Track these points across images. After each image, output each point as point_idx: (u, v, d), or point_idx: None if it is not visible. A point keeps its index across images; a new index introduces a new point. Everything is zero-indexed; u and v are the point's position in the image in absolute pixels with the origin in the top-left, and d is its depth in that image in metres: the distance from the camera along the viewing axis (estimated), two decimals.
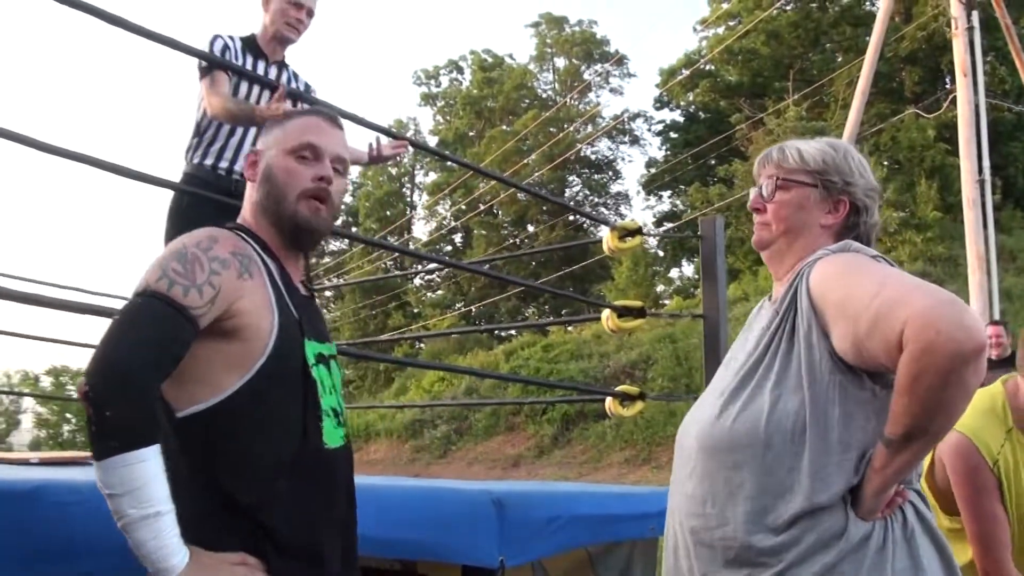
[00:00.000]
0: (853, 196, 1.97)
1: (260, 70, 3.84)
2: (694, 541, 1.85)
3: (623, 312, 4.84)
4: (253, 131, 3.66)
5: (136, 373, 1.54)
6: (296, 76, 4.03)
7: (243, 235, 1.86)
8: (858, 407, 1.73)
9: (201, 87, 3.67)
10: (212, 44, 3.74)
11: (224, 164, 3.76)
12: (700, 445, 1.88)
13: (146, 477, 1.51)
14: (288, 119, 1.99)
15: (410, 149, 4.29)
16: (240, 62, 3.77)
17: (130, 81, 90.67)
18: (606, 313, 4.91)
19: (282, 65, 3.99)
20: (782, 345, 1.83)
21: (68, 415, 36.61)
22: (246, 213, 1.95)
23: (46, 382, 35.95)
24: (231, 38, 3.82)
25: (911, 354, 1.54)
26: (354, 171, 50.87)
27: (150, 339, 1.59)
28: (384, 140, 3.99)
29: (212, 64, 3.61)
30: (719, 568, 1.79)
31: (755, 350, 1.89)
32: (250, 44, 3.88)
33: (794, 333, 1.81)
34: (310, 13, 3.87)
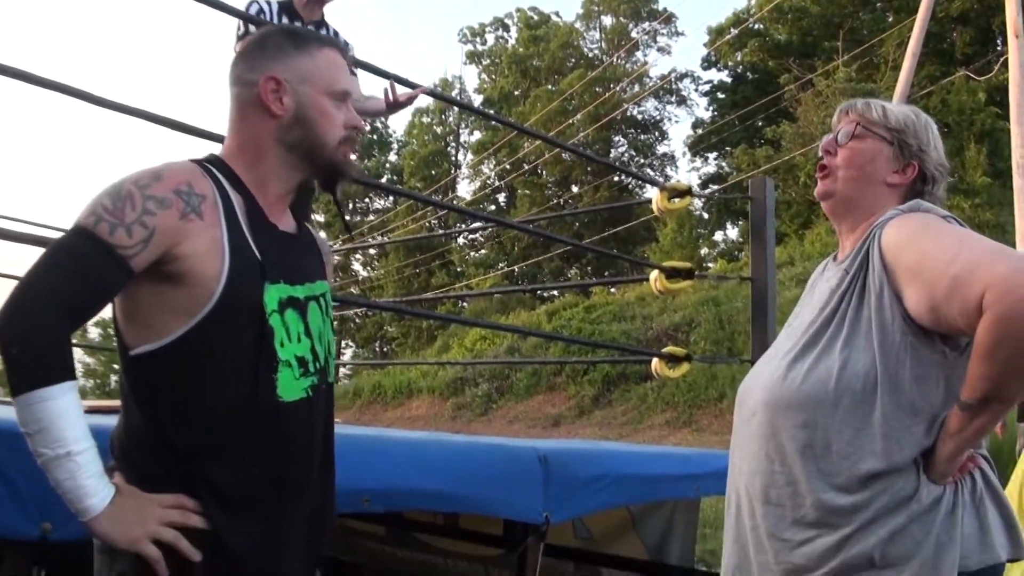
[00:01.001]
0: (924, 163, 1.98)
1: None
2: (761, 500, 1.85)
3: (672, 273, 4.82)
4: None
5: (43, 312, 1.48)
6: (336, 34, 4.04)
7: (211, 169, 1.71)
8: (929, 369, 1.72)
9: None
10: (248, 8, 3.77)
11: None
12: (766, 404, 1.87)
13: (53, 415, 1.46)
14: (304, 44, 1.81)
15: (456, 110, 4.28)
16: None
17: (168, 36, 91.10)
18: (654, 274, 4.89)
19: (320, 24, 4.00)
20: (852, 304, 1.81)
21: (115, 366, 37.27)
22: (242, 141, 1.78)
23: (94, 333, 36.58)
24: (268, 2, 3.84)
25: (991, 319, 1.53)
26: (399, 126, 50.83)
27: (65, 279, 1.51)
28: (400, 89, 4.02)
29: (247, 28, 3.64)
30: (787, 527, 1.79)
31: (823, 310, 1.88)
32: (287, 6, 3.90)
33: (864, 293, 1.80)
34: None
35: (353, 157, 1.87)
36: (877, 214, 1.92)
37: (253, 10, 3.78)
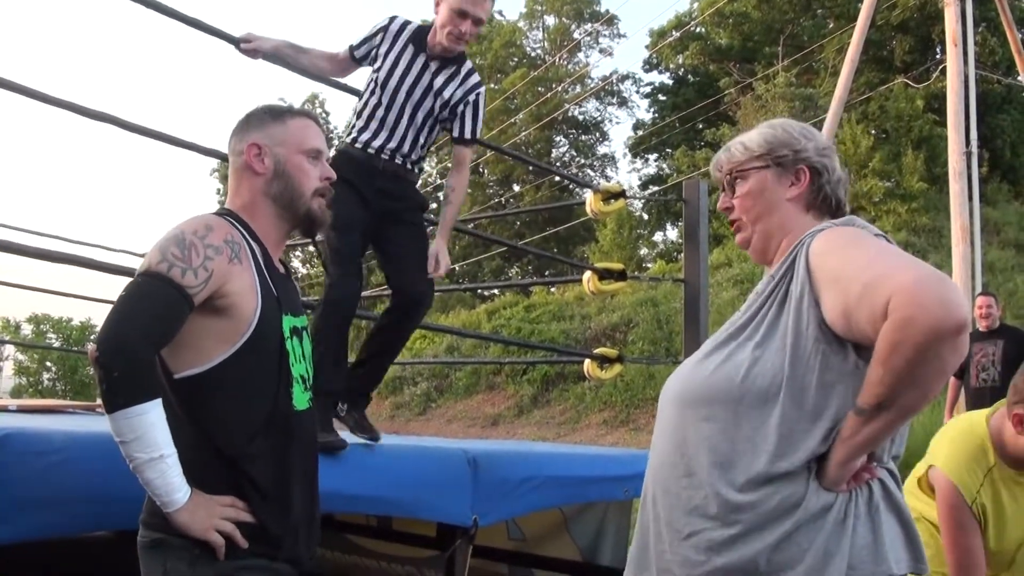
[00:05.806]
0: (808, 161, 2.01)
1: (419, 62, 3.62)
2: (663, 490, 1.88)
3: (604, 274, 4.84)
4: (407, 116, 3.55)
5: (138, 342, 1.82)
6: (471, 72, 3.70)
7: (233, 222, 2.10)
8: (838, 378, 1.73)
9: None
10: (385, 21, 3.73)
11: (377, 143, 3.53)
12: (677, 395, 1.92)
13: (147, 426, 1.80)
14: (279, 115, 2.23)
15: None
16: (398, 46, 3.64)
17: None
18: (587, 275, 4.91)
19: (445, 62, 3.67)
20: (773, 308, 1.84)
21: (48, 363, 36.37)
22: (242, 199, 2.18)
23: (27, 330, 35.77)
24: (404, 23, 3.68)
25: (891, 325, 1.55)
26: (340, 122, 50.54)
27: (150, 314, 1.87)
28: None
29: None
30: (681, 515, 1.81)
31: (746, 312, 1.91)
32: (417, 36, 3.66)
33: (787, 298, 1.83)
34: (478, 21, 3.55)
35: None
36: (795, 229, 1.97)
37: (382, 23, 3.69)
